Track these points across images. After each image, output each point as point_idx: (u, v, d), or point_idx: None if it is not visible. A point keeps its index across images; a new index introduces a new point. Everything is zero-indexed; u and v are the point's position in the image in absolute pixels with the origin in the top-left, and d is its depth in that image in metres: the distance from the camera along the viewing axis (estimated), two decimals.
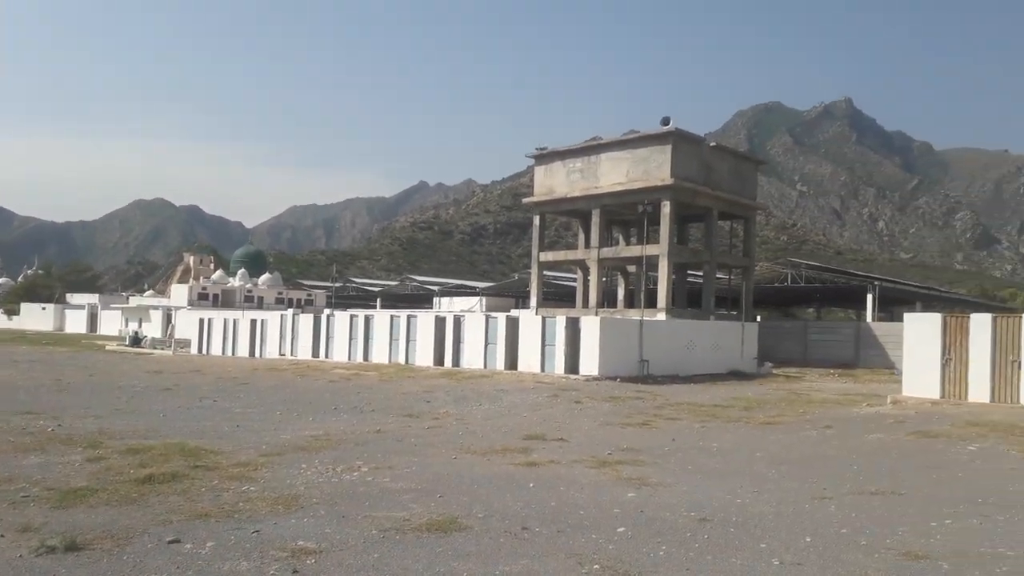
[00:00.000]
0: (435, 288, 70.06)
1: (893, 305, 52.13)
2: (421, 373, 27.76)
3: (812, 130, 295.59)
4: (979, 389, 18.59)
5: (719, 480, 9.71)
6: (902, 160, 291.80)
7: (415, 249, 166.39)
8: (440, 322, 31.71)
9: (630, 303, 42.61)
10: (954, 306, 51.15)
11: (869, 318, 44.80)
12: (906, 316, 21.10)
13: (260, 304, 76.45)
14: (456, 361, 30.30)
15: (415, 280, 78.34)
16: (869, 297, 44.74)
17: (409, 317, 33.47)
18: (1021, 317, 18.86)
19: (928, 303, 51.39)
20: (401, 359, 32.14)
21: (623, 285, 45.58)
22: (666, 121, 37.62)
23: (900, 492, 9.05)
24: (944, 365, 19.16)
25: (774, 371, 33.60)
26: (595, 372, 26.12)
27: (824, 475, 10.17)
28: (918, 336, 19.87)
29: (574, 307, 42.16)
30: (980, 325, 18.77)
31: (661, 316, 35.12)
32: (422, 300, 71.94)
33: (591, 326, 27.05)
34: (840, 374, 34.20)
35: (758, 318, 51.23)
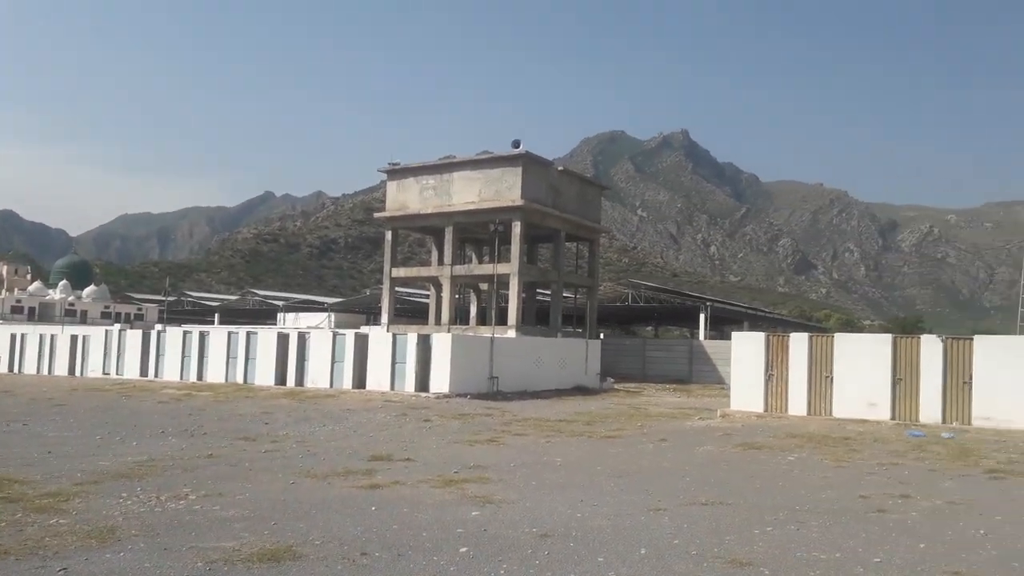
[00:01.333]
0: (279, 303, 67.43)
1: (723, 324, 55.80)
2: (261, 393, 26.52)
3: (652, 159, 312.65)
4: (798, 403, 20.17)
5: (562, 495, 9.86)
6: (732, 190, 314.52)
7: (259, 262, 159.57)
8: (283, 339, 30.49)
9: (482, 320, 42.94)
10: (777, 326, 55.49)
11: (702, 336, 47.67)
12: (733, 335, 22.58)
13: (84, 318, 70.55)
14: (300, 380, 29.22)
15: (257, 295, 74.97)
16: (702, 316, 47.65)
17: (249, 334, 31.94)
18: (833, 337, 20.69)
19: (754, 322, 55.49)
20: (239, 378, 30.59)
21: (475, 302, 45.91)
22: (517, 144, 38.44)
23: (727, 502, 9.56)
24: (767, 381, 20.65)
25: (616, 386, 34.92)
26: (446, 389, 26.03)
27: (659, 487, 10.58)
28: (744, 353, 21.31)
29: (426, 324, 41.94)
30: (798, 343, 20.41)
31: (511, 333, 35.63)
32: (265, 316, 68.98)
33: (443, 343, 26.95)
34: (676, 389, 36.07)
35: (602, 335, 53.12)
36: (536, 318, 44.54)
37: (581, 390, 31.53)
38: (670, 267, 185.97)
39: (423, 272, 44.98)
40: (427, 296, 46.59)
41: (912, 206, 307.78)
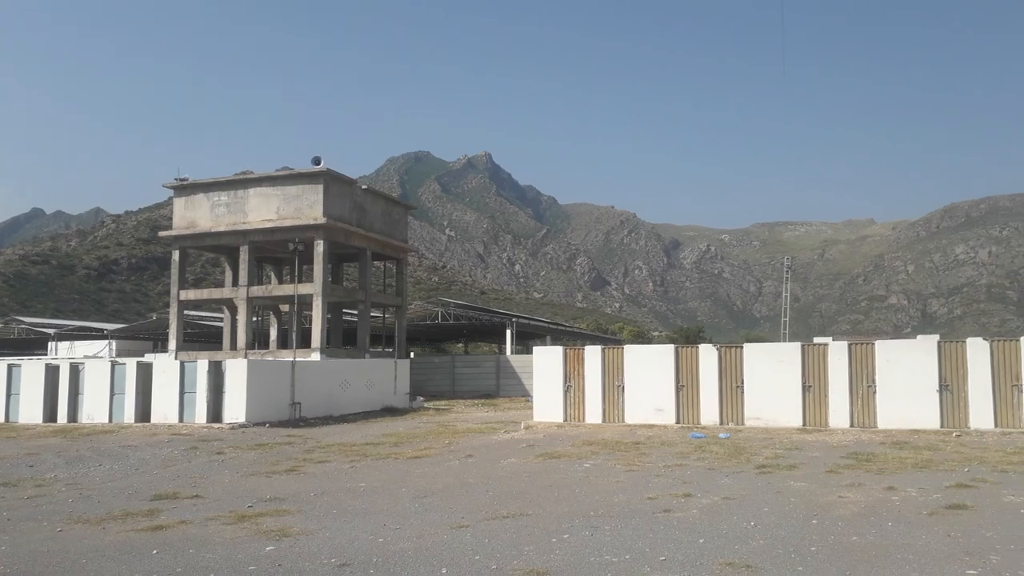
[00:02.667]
0: (51, 331, 60.58)
1: (529, 339, 57.71)
2: (26, 432, 23.59)
3: (458, 180, 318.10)
4: (594, 412, 21.21)
5: (364, 520, 9.60)
6: (533, 211, 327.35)
7: (26, 286, 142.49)
8: (52, 371, 27.38)
9: (283, 343, 41.16)
10: (576, 339, 58.22)
11: (508, 351, 48.92)
12: (535, 349, 23.38)
13: None
14: (73, 416, 26.36)
15: (24, 322, 66.88)
16: (508, 332, 48.91)
17: (11, 366, 28.35)
18: (623, 348, 22.01)
19: (556, 336, 57.86)
20: None
21: (276, 325, 43.93)
22: (317, 161, 37.46)
23: (527, 513, 9.79)
24: (566, 392, 21.54)
25: (426, 405, 34.84)
26: (242, 419, 24.58)
27: (463, 504, 10.63)
28: (544, 367, 22.09)
29: (221, 349, 39.48)
30: (593, 356, 21.50)
31: (316, 356, 34.46)
32: (34, 345, 61.79)
33: (237, 369, 25.45)
34: (484, 404, 36.65)
35: (411, 354, 52.90)
36: (343, 339, 43.46)
37: (390, 411, 31.10)
38: (478, 285, 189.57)
39: (216, 294, 42.35)
40: (222, 320, 43.94)
41: (692, 226, 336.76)
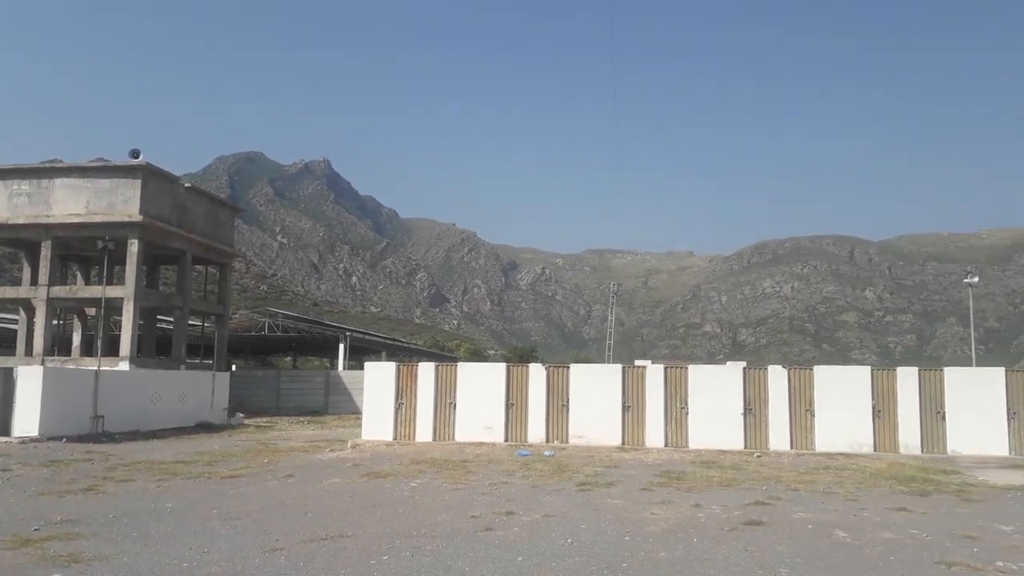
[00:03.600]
0: None
1: (364, 354, 56.55)
2: None
3: (293, 185, 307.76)
4: (425, 429, 21.07)
5: (168, 544, 8.90)
6: (373, 223, 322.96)
7: None
8: None
9: (87, 351, 37.69)
10: (413, 355, 57.83)
11: (340, 366, 47.69)
12: (366, 364, 22.93)
13: None
14: None
15: None
16: (341, 347, 47.72)
17: None
18: (457, 366, 22.06)
19: (392, 352, 57.14)
20: None
21: (81, 330, 40.17)
22: (135, 153, 34.84)
23: (348, 534, 9.49)
24: (397, 409, 21.26)
25: (246, 421, 33.13)
26: (35, 432, 22.21)
27: (279, 525, 10.13)
28: (376, 383, 21.70)
29: (14, 355, 35.56)
30: (426, 372, 21.39)
31: (124, 365, 31.83)
32: None
33: (31, 377, 22.99)
34: (310, 421, 35.41)
35: (233, 367, 50.22)
36: (156, 348, 40.49)
37: (205, 427, 29.26)
38: (311, 296, 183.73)
39: (10, 293, 38.14)
40: (16, 322, 39.61)
41: (529, 249, 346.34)
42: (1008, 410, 19.44)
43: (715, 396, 20.33)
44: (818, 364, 22.55)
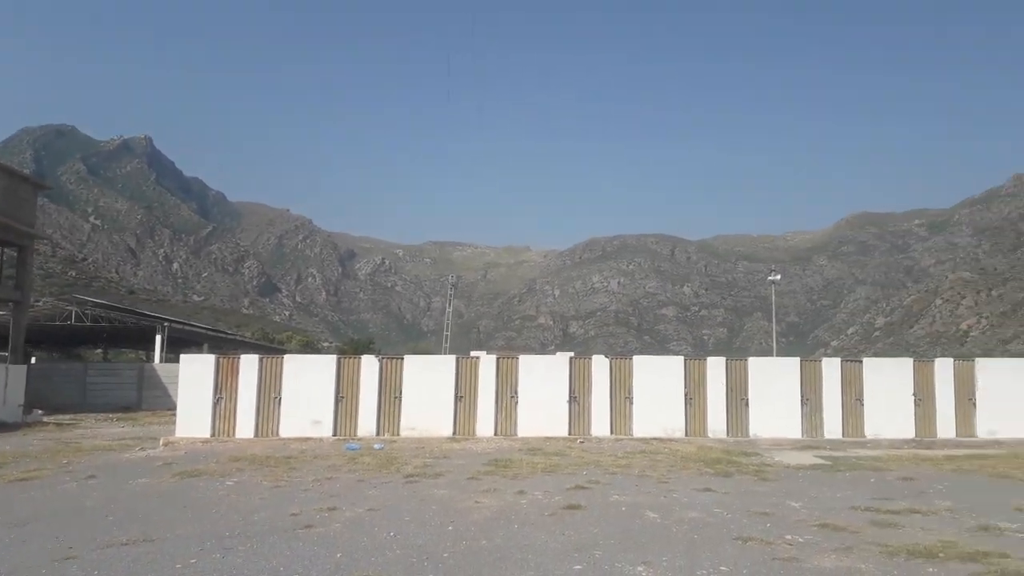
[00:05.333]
0: None
1: (184, 346, 53.02)
2: None
3: (110, 162, 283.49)
4: (246, 425, 20.09)
5: None
6: (198, 206, 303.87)
7: None
8: None
9: None
10: (240, 347, 54.98)
11: (157, 359, 44.51)
12: (182, 357, 21.51)
13: None
14: None
15: None
16: (159, 338, 44.55)
17: None
18: (282, 358, 21.22)
19: (217, 344, 54.03)
20: None
21: None
22: None
23: (153, 538, 8.85)
24: (216, 404, 20.13)
25: (45, 419, 30.17)
26: None
27: (75, 531, 9.28)
28: (192, 376, 20.43)
29: None
30: (249, 365, 20.40)
31: None
32: None
33: None
34: (120, 418, 32.85)
35: (33, 359, 45.68)
36: None
37: None
38: (127, 283, 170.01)
39: None
40: None
41: (368, 238, 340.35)
42: (802, 397, 21.45)
43: (543, 385, 20.91)
44: (639, 355, 23.75)
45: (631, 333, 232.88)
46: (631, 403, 21.06)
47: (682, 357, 22.62)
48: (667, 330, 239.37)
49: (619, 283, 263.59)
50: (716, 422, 21.16)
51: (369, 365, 20.92)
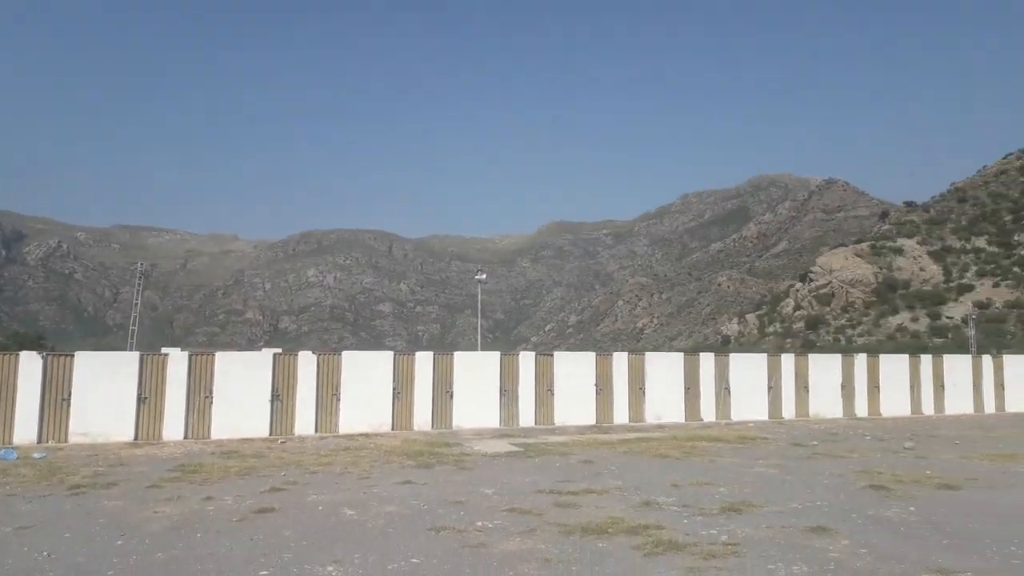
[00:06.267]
0: None
1: None
2: None
3: None
4: None
5: None
6: None
7: None
8: None
9: None
10: None
11: None
12: None
13: None
14: None
15: None
16: None
17: None
18: None
19: None
20: None
21: None
22: None
23: None
24: None
25: None
26: None
27: None
28: None
29: None
30: None
31: None
32: None
33: None
34: None
35: None
36: None
37: None
38: None
39: None
40: None
41: (41, 218, 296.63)
42: (501, 388, 22.66)
43: (243, 383, 19.71)
44: (357, 351, 23.44)
45: (347, 329, 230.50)
46: (338, 400, 20.67)
47: (391, 352, 22.72)
48: (383, 326, 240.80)
49: (335, 278, 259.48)
50: (423, 415, 21.56)
51: (30, 362, 18.11)
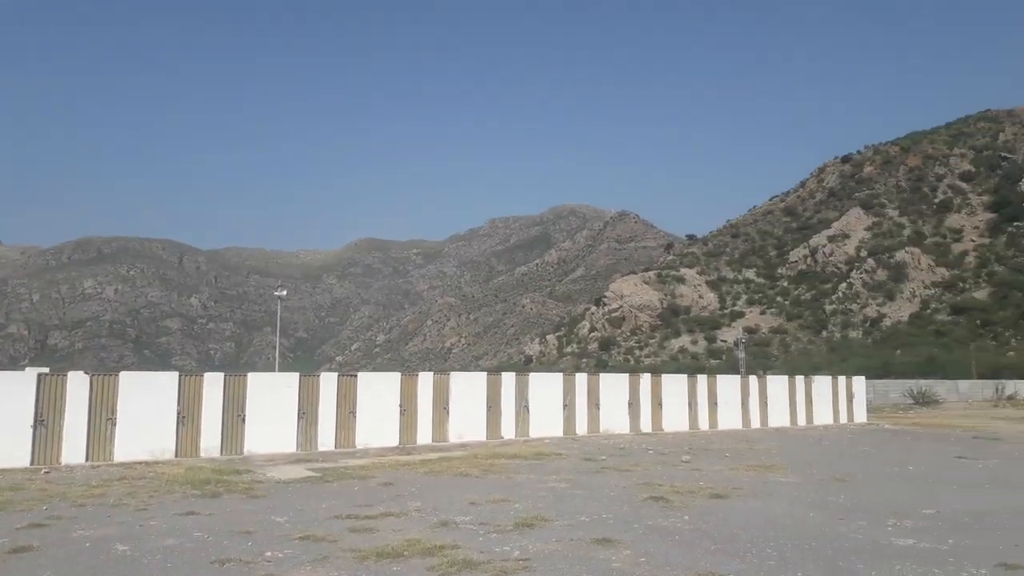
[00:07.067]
0: None
1: None
2: None
3: None
4: None
5: None
6: None
7: None
8: None
9: None
10: None
11: None
12: None
13: None
14: None
15: None
16: None
17: None
18: None
19: None
20: None
21: None
22: None
23: None
24: None
25: None
26: None
27: None
28: None
29: None
30: None
31: None
32: None
33: None
34: None
35: None
36: None
37: None
38: None
39: None
40: None
41: None
42: (299, 411, 21.83)
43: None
44: (139, 370, 21.48)
45: (128, 346, 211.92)
46: (114, 424, 18.88)
47: (176, 373, 21.13)
48: (171, 343, 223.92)
49: (116, 290, 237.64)
50: (210, 440, 20.23)
51: None
